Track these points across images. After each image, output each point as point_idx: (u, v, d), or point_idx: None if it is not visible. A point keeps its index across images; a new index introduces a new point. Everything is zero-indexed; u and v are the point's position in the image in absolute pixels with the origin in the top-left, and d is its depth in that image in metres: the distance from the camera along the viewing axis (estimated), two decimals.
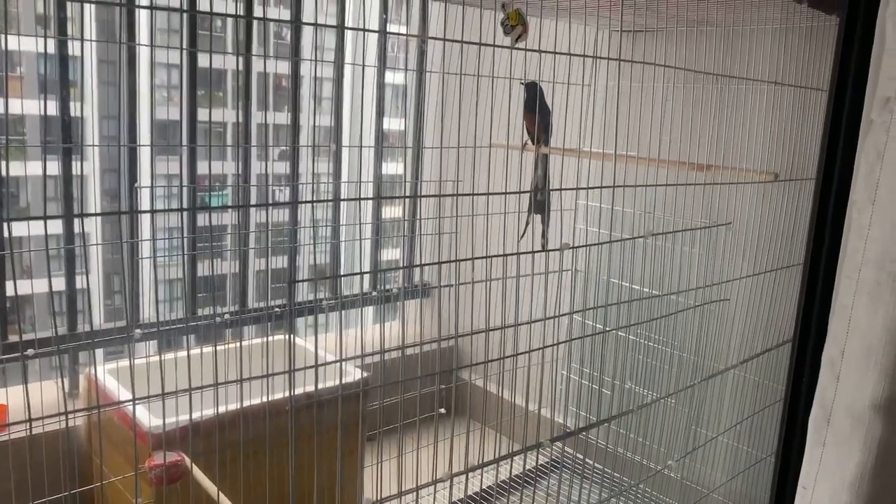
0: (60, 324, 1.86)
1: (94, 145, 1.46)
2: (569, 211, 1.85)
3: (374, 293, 2.21)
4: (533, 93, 1.68)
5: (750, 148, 1.56)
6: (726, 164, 1.51)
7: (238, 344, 1.53)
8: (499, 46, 0.96)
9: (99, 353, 1.90)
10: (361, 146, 1.39)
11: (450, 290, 1.16)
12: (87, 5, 1.31)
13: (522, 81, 1.63)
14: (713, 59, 1.49)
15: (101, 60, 2.11)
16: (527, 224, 1.80)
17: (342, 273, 1.92)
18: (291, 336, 1.12)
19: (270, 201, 2.00)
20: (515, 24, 1.12)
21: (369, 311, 2.34)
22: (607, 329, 1.32)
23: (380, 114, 2.24)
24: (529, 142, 1.82)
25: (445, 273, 1.99)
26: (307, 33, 2.17)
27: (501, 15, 1.12)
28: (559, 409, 2.09)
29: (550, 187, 1.82)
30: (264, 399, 1.44)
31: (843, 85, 1.26)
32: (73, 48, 1.78)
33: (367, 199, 2.06)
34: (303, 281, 0.81)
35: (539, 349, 1.15)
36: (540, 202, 1.82)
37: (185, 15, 1.85)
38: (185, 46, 1.83)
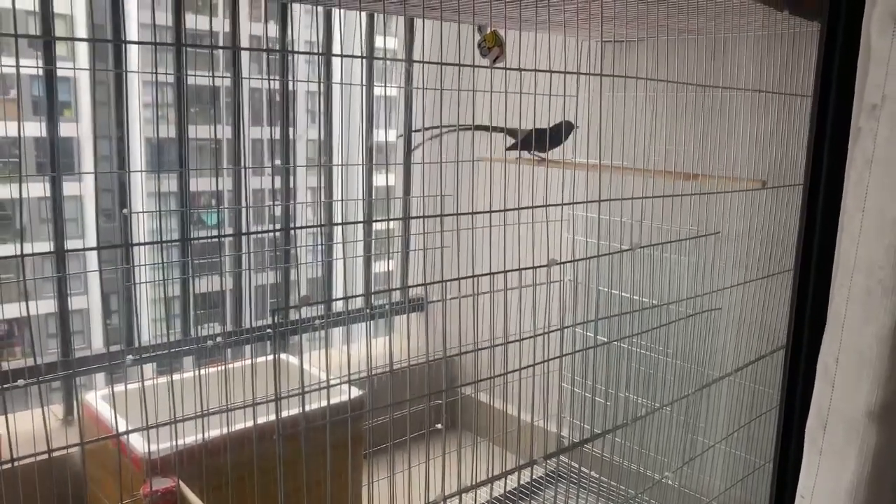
0: (53, 348, 1.85)
1: (78, 173, 1.46)
2: (556, 222, 1.85)
3: (368, 310, 2.20)
4: (559, 130, 1.62)
5: (737, 156, 1.56)
6: (714, 173, 1.51)
7: (222, 367, 1.53)
8: (478, 66, 0.96)
9: (100, 377, 1.89)
10: (347, 164, 1.38)
11: (442, 306, 1.16)
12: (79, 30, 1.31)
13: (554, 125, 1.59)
14: (696, 69, 1.49)
15: (96, 82, 2.11)
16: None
17: (333, 295, 1.92)
18: (277, 361, 1.12)
19: (266, 220, 2.00)
20: (492, 46, 1.12)
21: (363, 327, 2.32)
22: (605, 342, 1.32)
23: (369, 130, 2.24)
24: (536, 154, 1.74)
25: (438, 289, 1.98)
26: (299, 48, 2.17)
27: (478, 37, 1.11)
28: (556, 420, 2.08)
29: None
30: (262, 421, 1.44)
31: (826, 90, 1.27)
32: (66, 69, 1.78)
33: (357, 222, 2.05)
34: (285, 309, 0.81)
35: (530, 366, 1.15)
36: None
37: (174, 41, 1.85)
38: (176, 71, 1.83)
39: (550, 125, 1.59)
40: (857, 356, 0.99)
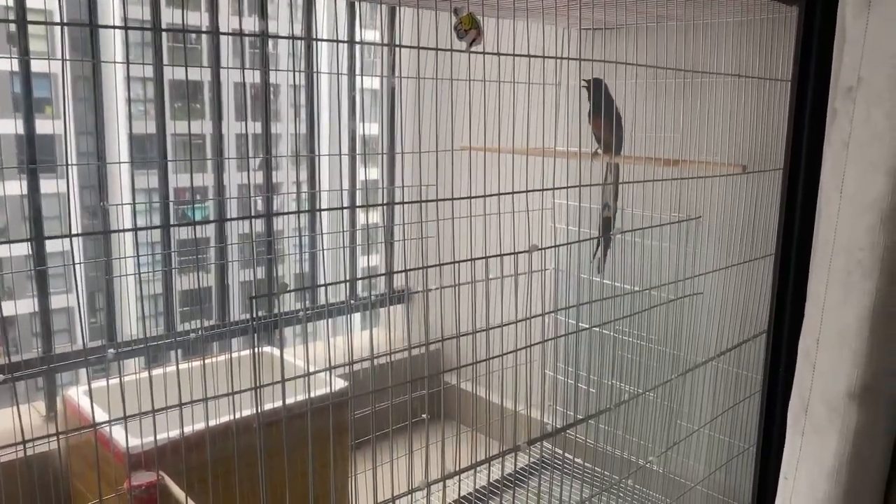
0: (35, 345, 1.84)
1: (57, 164, 1.44)
2: (540, 211, 1.85)
3: (350, 301, 2.20)
4: (598, 92, 1.50)
5: (717, 141, 1.56)
6: (694, 158, 1.51)
7: (203, 361, 1.52)
8: (456, 51, 0.96)
9: (82, 372, 1.88)
10: (328, 154, 1.38)
11: (424, 294, 1.15)
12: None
13: (584, 80, 1.47)
14: (676, 54, 1.50)
15: (76, 77, 2.09)
16: (597, 246, 1.69)
17: (312, 284, 1.91)
18: (256, 349, 1.12)
19: (250, 213, 1.99)
20: (469, 29, 1.11)
21: (350, 318, 2.32)
22: (587, 327, 1.32)
23: (351, 119, 2.23)
24: (599, 149, 1.61)
25: (422, 279, 1.98)
26: (281, 42, 2.15)
27: (454, 19, 1.10)
28: (541, 408, 2.08)
29: (615, 202, 1.66)
30: (246, 414, 1.43)
31: (804, 75, 1.27)
32: (45, 65, 1.76)
33: (337, 209, 2.05)
34: (263, 296, 0.81)
35: (513, 352, 1.15)
36: (606, 219, 1.66)
37: (151, 27, 1.83)
38: (156, 61, 1.81)
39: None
40: (837, 337, 1.00)
